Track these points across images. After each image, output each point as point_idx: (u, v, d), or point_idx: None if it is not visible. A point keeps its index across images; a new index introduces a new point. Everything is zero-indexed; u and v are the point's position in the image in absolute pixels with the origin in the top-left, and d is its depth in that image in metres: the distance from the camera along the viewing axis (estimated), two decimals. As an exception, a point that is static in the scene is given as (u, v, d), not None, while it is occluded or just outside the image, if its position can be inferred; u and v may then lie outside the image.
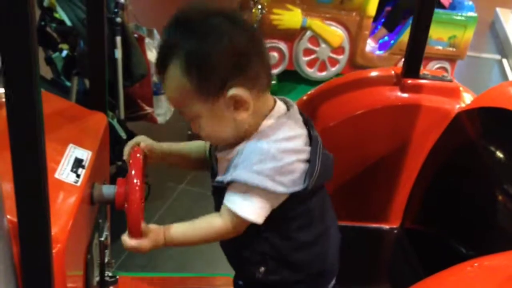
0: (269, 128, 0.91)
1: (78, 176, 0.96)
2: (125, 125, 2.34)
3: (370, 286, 1.35)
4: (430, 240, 1.43)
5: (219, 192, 0.96)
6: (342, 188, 1.45)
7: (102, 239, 1.12)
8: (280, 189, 0.90)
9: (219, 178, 0.95)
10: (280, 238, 0.97)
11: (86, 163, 1.01)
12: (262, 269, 0.99)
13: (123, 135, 2.28)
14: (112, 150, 2.26)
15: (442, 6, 3.22)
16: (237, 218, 0.92)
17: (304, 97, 1.57)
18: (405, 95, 1.42)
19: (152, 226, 0.96)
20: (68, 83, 2.33)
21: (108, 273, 1.19)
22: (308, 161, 0.93)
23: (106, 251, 1.15)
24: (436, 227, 1.42)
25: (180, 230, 0.96)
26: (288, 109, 0.96)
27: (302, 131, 0.95)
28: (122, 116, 2.29)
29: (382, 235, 1.50)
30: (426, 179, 1.46)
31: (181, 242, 0.97)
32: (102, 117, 1.19)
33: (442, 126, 1.41)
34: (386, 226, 1.51)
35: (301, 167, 0.92)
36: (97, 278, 1.09)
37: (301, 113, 0.98)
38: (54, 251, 0.79)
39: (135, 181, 0.96)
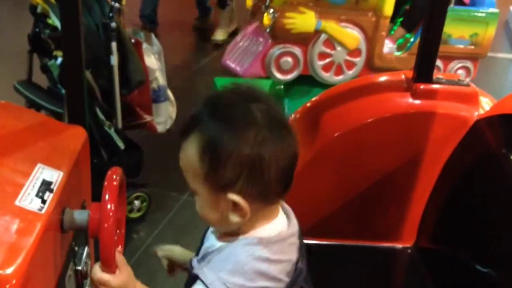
0: (259, 240, 0.84)
1: (43, 201, 0.85)
2: (123, 134, 2.24)
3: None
4: (447, 260, 1.30)
5: (190, 278, 0.88)
6: (349, 204, 1.33)
7: (79, 268, 1.01)
8: None
9: (193, 261, 0.88)
10: None
11: (55, 186, 0.90)
12: None
13: (121, 145, 2.19)
14: (109, 161, 2.18)
15: (462, 3, 3.08)
16: None
17: (308, 104, 1.45)
18: (418, 101, 1.30)
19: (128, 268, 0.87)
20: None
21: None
22: None
23: (85, 280, 1.04)
24: (454, 246, 1.29)
25: None
26: (288, 227, 0.88)
27: (291, 256, 0.86)
28: (120, 125, 2.20)
29: (394, 255, 1.37)
30: (442, 193, 1.32)
31: None
32: (79, 131, 1.08)
33: (459, 135, 1.28)
34: (398, 245, 1.38)
35: None
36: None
37: (300, 235, 0.89)
38: (4, 295, 0.68)
39: (108, 206, 0.84)
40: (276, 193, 0.84)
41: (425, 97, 1.29)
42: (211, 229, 0.95)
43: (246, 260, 0.81)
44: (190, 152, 0.82)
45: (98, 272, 0.83)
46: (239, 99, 0.83)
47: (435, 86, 1.30)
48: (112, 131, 2.15)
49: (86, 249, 1.06)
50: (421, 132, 1.29)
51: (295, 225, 0.88)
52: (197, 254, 0.96)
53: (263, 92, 0.85)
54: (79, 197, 1.04)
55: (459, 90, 1.29)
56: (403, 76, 1.35)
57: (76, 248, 1.00)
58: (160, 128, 2.37)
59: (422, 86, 1.30)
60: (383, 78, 1.45)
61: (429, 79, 1.29)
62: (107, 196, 0.85)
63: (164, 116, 2.40)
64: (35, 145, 0.98)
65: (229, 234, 0.88)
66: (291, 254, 0.86)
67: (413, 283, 1.33)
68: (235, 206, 0.82)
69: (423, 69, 1.29)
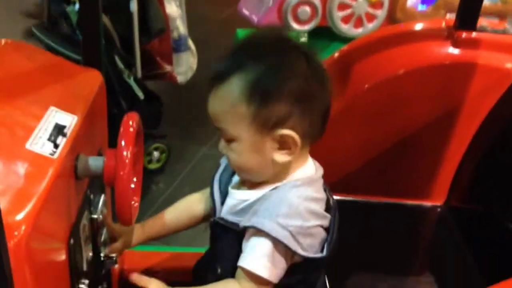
0: (301, 181, 0.85)
1: (56, 146, 0.80)
2: (143, 84, 2.19)
3: (407, 271, 1.17)
4: (480, 221, 1.23)
5: (222, 229, 0.88)
6: (377, 159, 1.26)
7: (95, 216, 0.97)
8: (300, 251, 0.82)
9: (229, 218, 0.87)
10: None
11: (68, 130, 0.84)
12: None
13: (141, 95, 2.14)
14: (128, 111, 2.13)
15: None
16: (256, 279, 0.82)
17: (336, 55, 1.37)
18: (458, 51, 1.20)
19: None
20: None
21: (105, 253, 1.05)
22: (326, 229, 0.87)
23: (101, 229, 1.00)
24: (489, 206, 1.22)
25: None
26: (316, 170, 0.90)
27: (324, 196, 0.88)
28: (139, 74, 2.15)
29: (423, 213, 1.31)
30: (479, 150, 1.24)
31: None
32: (95, 75, 1.01)
33: (501, 89, 1.19)
34: (428, 204, 1.31)
35: (322, 233, 0.86)
36: (89, 259, 0.94)
37: (322, 177, 0.91)
38: (12, 242, 0.64)
39: (124, 153, 0.79)
40: (319, 130, 0.85)
41: (467, 46, 1.19)
42: (229, 184, 0.91)
43: (298, 201, 0.82)
44: (232, 95, 0.80)
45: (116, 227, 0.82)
46: (277, 40, 0.84)
47: (479, 34, 1.19)
48: (131, 81, 2.10)
49: (102, 197, 1.01)
50: (460, 85, 1.20)
51: (321, 169, 0.90)
52: (214, 215, 0.92)
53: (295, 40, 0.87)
54: (94, 144, 0.99)
55: (504, 40, 1.19)
56: (443, 24, 1.24)
57: (92, 196, 0.95)
58: (181, 79, 2.31)
59: (464, 34, 1.20)
60: (420, 25, 1.35)
61: (472, 27, 1.19)
62: (123, 142, 0.79)
63: (185, 66, 2.33)
64: (48, 87, 0.92)
65: (266, 182, 0.85)
66: (324, 193, 0.88)
67: (442, 243, 1.27)
68: (284, 143, 0.81)
69: (467, 15, 1.18)
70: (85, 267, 0.93)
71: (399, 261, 1.16)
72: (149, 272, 1.29)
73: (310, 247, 0.84)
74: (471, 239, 1.21)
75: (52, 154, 0.78)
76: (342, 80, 1.29)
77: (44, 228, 0.73)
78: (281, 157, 0.82)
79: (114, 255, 1.08)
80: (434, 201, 1.32)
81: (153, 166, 2.26)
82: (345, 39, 2.84)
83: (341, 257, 1.07)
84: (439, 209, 1.32)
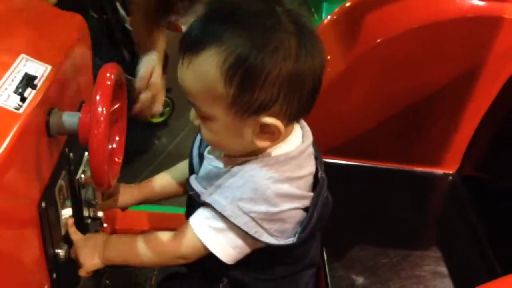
0: (275, 159, 0.74)
1: (23, 99, 0.71)
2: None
3: (413, 244, 1.09)
4: (493, 191, 1.14)
5: (192, 202, 0.80)
6: (386, 122, 1.16)
7: (77, 177, 0.90)
8: (265, 238, 0.75)
9: (194, 185, 0.79)
10: (249, 269, 0.81)
11: (39, 81, 0.75)
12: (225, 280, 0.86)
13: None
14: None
15: None
16: (203, 249, 0.77)
17: (347, 4, 1.24)
18: (483, 3, 1.08)
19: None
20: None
21: (91, 215, 0.99)
22: (305, 209, 0.77)
23: (83, 190, 0.93)
24: (504, 176, 1.12)
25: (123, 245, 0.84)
26: (303, 139, 0.78)
27: (310, 169, 0.78)
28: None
29: (433, 181, 1.22)
30: (498, 116, 1.14)
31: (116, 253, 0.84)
32: (77, 19, 0.91)
33: (530, 48, 1.07)
34: (439, 171, 1.22)
35: (296, 217, 0.77)
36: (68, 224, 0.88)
37: (314, 145, 0.80)
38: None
39: (99, 109, 0.70)
40: (306, 111, 0.73)
41: (494, -2, 1.06)
42: (206, 147, 0.83)
43: (266, 184, 0.72)
44: (208, 73, 0.67)
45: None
46: (259, 3, 0.69)
47: (508, -16, 1.07)
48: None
49: (85, 155, 0.94)
50: (484, 42, 1.08)
51: (309, 136, 0.79)
52: (191, 172, 0.85)
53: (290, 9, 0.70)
54: (75, 98, 0.90)
55: (537, -8, 1.06)
56: (467, -29, 1.11)
57: (71, 154, 0.87)
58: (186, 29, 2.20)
59: (491, -16, 1.07)
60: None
61: (500, -25, 1.06)
62: (98, 97, 0.70)
63: (192, 16, 2.22)
64: (20, 32, 0.82)
65: (240, 154, 0.76)
66: (310, 166, 0.78)
67: (452, 212, 1.19)
68: (264, 129, 0.71)
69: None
70: (63, 232, 0.86)
71: (405, 233, 1.09)
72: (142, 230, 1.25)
73: (279, 232, 0.76)
74: (484, 213, 1.12)
75: (17, 108, 0.70)
76: (352, 34, 1.17)
77: (5, 192, 0.65)
78: (261, 142, 0.72)
79: (100, 215, 1.02)
80: (446, 169, 1.23)
81: (156, 120, 2.19)
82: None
83: (342, 227, 1.00)
84: (450, 178, 1.23)
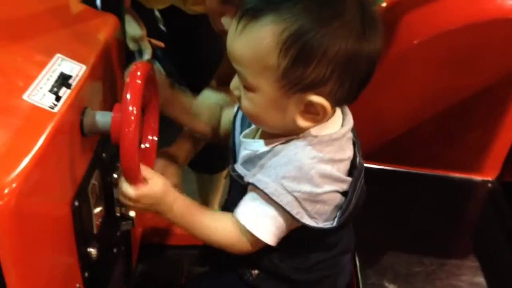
0: (319, 139, 0.73)
1: (58, 98, 0.71)
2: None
3: (449, 253, 1.05)
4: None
5: (236, 183, 0.79)
6: (423, 126, 1.13)
7: (109, 177, 0.90)
8: (305, 220, 0.73)
9: (238, 169, 0.78)
10: (284, 256, 0.80)
11: (74, 81, 0.75)
12: (255, 272, 0.84)
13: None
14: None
15: None
16: (251, 237, 0.76)
17: (383, 5, 1.22)
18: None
19: (159, 179, 0.75)
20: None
21: (122, 214, 0.99)
22: (344, 193, 0.76)
23: (116, 189, 0.93)
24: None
25: (187, 211, 0.77)
26: (343, 123, 0.77)
27: (349, 153, 0.77)
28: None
29: (471, 188, 1.18)
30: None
31: (185, 224, 0.79)
32: (112, 20, 0.92)
33: None
34: (477, 178, 1.18)
35: (336, 200, 0.75)
36: (101, 222, 0.88)
37: (353, 130, 0.79)
38: (-5, 206, 0.56)
39: (130, 108, 0.70)
40: (353, 98, 0.72)
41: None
42: (243, 133, 0.82)
43: (310, 164, 0.71)
44: (263, 41, 0.66)
45: (125, 190, 0.73)
46: None
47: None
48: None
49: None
50: (528, 44, 1.04)
51: (350, 119, 0.78)
52: (234, 161, 0.84)
53: None
54: (108, 97, 0.90)
55: None
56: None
57: (104, 154, 0.88)
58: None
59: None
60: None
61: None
62: (128, 96, 0.70)
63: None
64: (57, 32, 0.83)
65: (280, 134, 0.75)
66: (349, 150, 0.77)
67: (491, 220, 1.15)
68: (309, 108, 0.70)
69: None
70: (95, 230, 0.87)
71: (440, 241, 1.05)
72: (171, 230, 1.25)
73: (318, 214, 0.74)
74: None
75: (52, 107, 0.70)
76: (390, 34, 1.15)
77: (39, 191, 0.65)
78: (303, 121, 0.71)
79: (132, 215, 1.02)
80: (485, 176, 1.19)
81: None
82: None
83: (375, 233, 0.97)
84: (489, 185, 1.19)
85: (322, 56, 0.65)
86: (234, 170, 0.79)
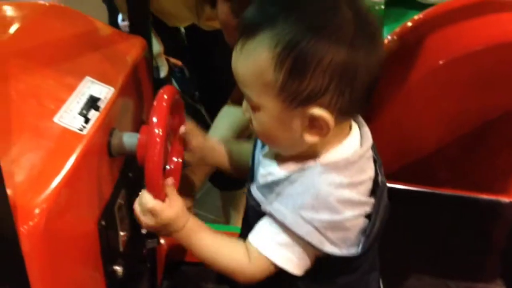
0: (335, 164, 0.71)
1: (87, 120, 0.74)
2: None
3: (475, 276, 1.04)
4: None
5: (254, 213, 0.77)
6: (448, 147, 1.12)
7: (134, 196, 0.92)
8: (327, 248, 0.72)
9: (255, 193, 0.77)
10: (310, 283, 0.77)
11: (103, 103, 0.78)
12: None
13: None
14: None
15: None
16: (265, 264, 0.74)
17: (409, 24, 1.21)
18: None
19: (179, 200, 0.76)
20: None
21: (148, 233, 1.00)
22: (368, 216, 0.74)
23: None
24: None
25: (200, 237, 0.76)
26: (362, 142, 0.75)
27: (370, 173, 0.75)
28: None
29: (498, 210, 1.16)
30: None
31: (193, 246, 0.77)
32: (139, 42, 0.94)
33: None
34: (505, 199, 1.16)
35: (359, 224, 0.73)
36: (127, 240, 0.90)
37: (373, 148, 0.77)
38: (26, 227, 0.58)
39: (156, 131, 0.72)
40: (360, 105, 0.70)
41: None
42: (261, 151, 0.81)
43: (328, 190, 0.70)
44: (259, 57, 0.65)
45: (147, 200, 0.73)
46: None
47: None
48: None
49: (144, 175, 0.96)
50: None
51: (369, 138, 0.76)
52: (251, 180, 0.82)
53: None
54: (136, 118, 0.93)
55: None
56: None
57: (130, 174, 0.90)
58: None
59: None
60: (509, -7, 1.17)
61: None
62: (155, 119, 0.72)
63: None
64: (86, 55, 0.86)
65: (294, 158, 0.74)
66: (370, 170, 0.75)
67: (518, 244, 1.13)
68: (313, 123, 0.68)
69: None
70: (121, 249, 0.88)
71: (466, 264, 1.03)
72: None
73: (341, 241, 0.72)
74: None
75: (81, 130, 0.72)
76: (413, 55, 1.14)
77: (68, 211, 0.67)
78: (310, 137, 0.69)
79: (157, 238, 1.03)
80: (513, 197, 1.17)
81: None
82: (425, 7, 2.59)
83: (399, 255, 0.96)
84: (518, 206, 1.17)
85: (317, 65, 0.64)
86: (250, 193, 0.78)
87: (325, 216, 0.69)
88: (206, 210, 1.91)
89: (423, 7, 2.64)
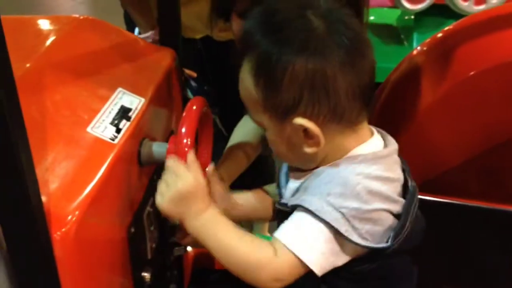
0: (363, 157, 0.72)
1: (118, 130, 0.76)
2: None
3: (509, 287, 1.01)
4: None
5: (282, 216, 0.75)
6: (479, 158, 1.10)
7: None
8: (355, 238, 0.69)
9: (283, 200, 0.77)
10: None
11: (133, 113, 0.80)
12: None
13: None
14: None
15: None
16: (290, 259, 0.69)
17: (439, 35, 1.21)
18: None
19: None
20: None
21: (176, 240, 1.02)
22: (397, 216, 0.73)
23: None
24: None
25: (215, 224, 0.72)
26: (386, 144, 0.76)
27: (398, 176, 0.75)
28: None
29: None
30: None
31: (212, 237, 0.72)
32: (169, 54, 0.97)
33: None
34: (538, 213, 1.13)
35: (388, 220, 0.72)
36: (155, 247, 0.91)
37: (400, 157, 0.77)
38: (60, 233, 0.61)
39: (185, 141, 0.73)
40: (354, 111, 0.70)
41: None
42: (283, 171, 0.82)
43: (356, 179, 0.70)
44: (245, 80, 0.71)
45: (173, 163, 0.72)
46: (292, 7, 0.70)
47: None
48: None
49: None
50: None
51: (394, 143, 0.77)
52: (279, 187, 0.83)
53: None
54: (165, 128, 0.95)
55: None
56: None
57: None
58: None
59: None
60: (543, 3, 1.15)
61: None
62: (183, 129, 0.74)
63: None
64: (118, 67, 0.89)
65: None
66: (398, 173, 0.75)
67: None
68: (306, 133, 0.70)
69: None
70: (149, 256, 0.90)
71: (496, 280, 1.01)
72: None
73: (370, 234, 0.70)
74: None
75: (113, 139, 0.75)
76: (443, 65, 1.13)
77: (99, 218, 0.69)
78: (308, 148, 0.71)
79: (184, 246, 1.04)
80: (546, 210, 1.14)
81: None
82: (452, 18, 2.56)
83: (436, 269, 0.95)
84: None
85: (286, 78, 0.67)
86: (280, 204, 0.78)
87: (353, 204, 0.68)
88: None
89: (457, 16, 2.61)
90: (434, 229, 0.90)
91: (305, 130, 0.70)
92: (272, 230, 1.08)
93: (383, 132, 0.78)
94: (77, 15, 0.98)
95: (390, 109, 1.19)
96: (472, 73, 1.10)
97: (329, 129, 0.70)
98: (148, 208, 0.87)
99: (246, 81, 0.71)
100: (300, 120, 0.69)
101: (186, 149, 0.73)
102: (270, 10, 0.71)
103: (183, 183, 0.71)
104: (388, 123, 1.17)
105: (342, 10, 0.71)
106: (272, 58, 0.67)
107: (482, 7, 2.57)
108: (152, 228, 0.89)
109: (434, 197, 1.13)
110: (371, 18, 2.70)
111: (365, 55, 0.70)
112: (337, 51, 0.67)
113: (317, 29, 0.68)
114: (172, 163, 0.73)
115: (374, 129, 0.77)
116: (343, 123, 0.71)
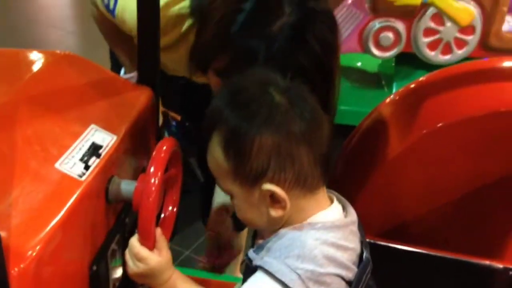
0: (323, 225, 0.77)
1: (87, 167, 0.77)
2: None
3: None
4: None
5: (248, 272, 0.81)
6: (441, 210, 1.14)
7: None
8: None
9: (249, 253, 0.81)
10: None
11: (104, 151, 0.81)
12: None
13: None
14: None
15: None
16: None
17: (412, 86, 1.25)
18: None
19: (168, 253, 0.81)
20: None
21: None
22: (350, 283, 0.77)
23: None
24: None
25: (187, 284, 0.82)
26: (345, 215, 0.81)
27: (354, 245, 0.80)
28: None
29: (492, 275, 1.15)
30: None
31: None
32: (145, 92, 0.99)
33: None
34: (499, 265, 1.15)
35: (341, 285, 0.76)
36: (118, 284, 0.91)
37: (360, 228, 0.82)
38: (17, 269, 0.61)
39: (152, 180, 0.75)
40: (315, 177, 0.77)
41: None
42: None
43: (314, 244, 0.75)
44: (215, 153, 0.77)
45: (136, 245, 0.78)
46: (255, 85, 0.77)
47: None
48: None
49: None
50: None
51: (353, 214, 0.82)
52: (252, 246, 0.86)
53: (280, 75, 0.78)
54: (137, 166, 0.96)
55: None
56: (534, 63, 1.10)
57: (127, 219, 0.92)
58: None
59: None
60: (509, 63, 1.20)
61: None
62: (152, 168, 0.75)
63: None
64: (93, 104, 0.91)
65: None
66: (355, 242, 0.80)
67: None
68: (273, 198, 0.76)
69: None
70: (111, 295, 0.90)
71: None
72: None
73: None
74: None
75: (80, 176, 0.76)
76: (411, 116, 1.17)
77: (60, 254, 0.70)
78: (275, 212, 0.76)
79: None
80: (507, 263, 1.16)
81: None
82: (434, 67, 2.64)
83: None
84: (511, 273, 1.16)
85: (253, 149, 0.73)
86: (247, 257, 0.82)
87: (308, 266, 0.73)
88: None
89: (432, 67, 2.70)
90: (397, 276, 0.92)
91: (272, 195, 0.75)
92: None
93: (345, 201, 0.83)
94: (58, 51, 1.00)
95: (359, 156, 1.22)
96: (439, 125, 1.13)
97: (293, 194, 0.75)
98: (113, 246, 0.87)
99: (216, 153, 0.76)
100: (268, 186, 0.74)
101: (153, 188, 0.74)
102: (236, 88, 0.78)
103: (144, 265, 0.78)
104: (356, 169, 1.21)
105: (299, 86, 0.78)
106: (241, 131, 0.74)
107: (448, 57, 2.66)
108: (116, 266, 0.89)
109: (398, 244, 1.15)
110: (358, 64, 2.80)
111: (323, 127, 0.77)
112: (299, 124, 0.74)
113: (280, 104, 0.75)
114: (134, 245, 0.78)
115: (334, 197, 0.82)
116: (306, 188, 0.76)
